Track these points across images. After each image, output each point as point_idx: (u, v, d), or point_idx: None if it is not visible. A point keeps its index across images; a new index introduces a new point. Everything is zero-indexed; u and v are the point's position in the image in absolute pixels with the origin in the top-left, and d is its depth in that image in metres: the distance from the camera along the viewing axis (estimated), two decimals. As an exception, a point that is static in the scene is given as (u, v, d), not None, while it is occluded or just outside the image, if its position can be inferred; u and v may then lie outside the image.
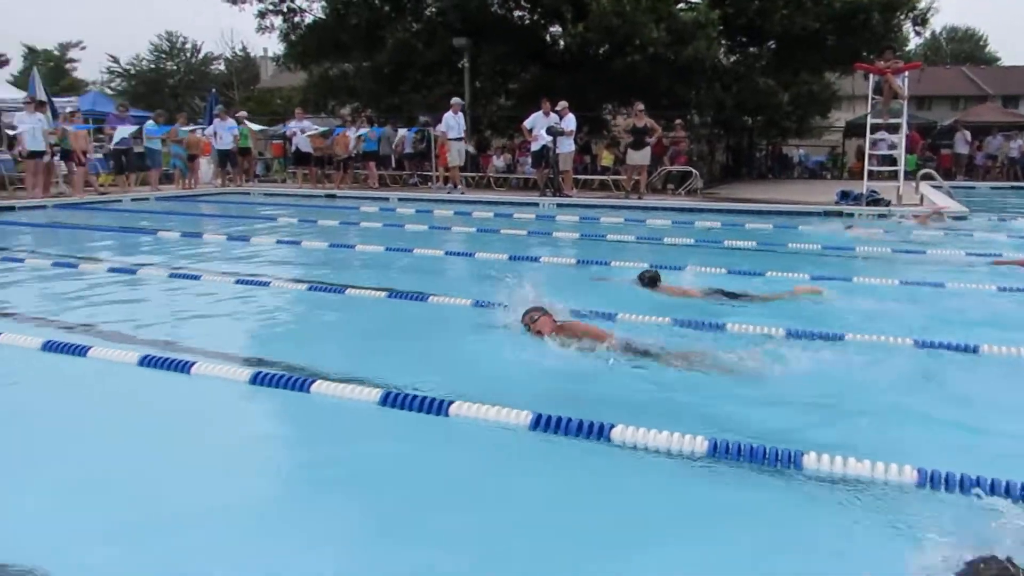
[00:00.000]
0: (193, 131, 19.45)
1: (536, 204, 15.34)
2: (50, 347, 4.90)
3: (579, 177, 18.25)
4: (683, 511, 3.11)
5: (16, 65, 41.85)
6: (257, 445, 3.92)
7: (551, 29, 22.36)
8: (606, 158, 19.94)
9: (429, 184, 19.61)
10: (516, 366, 4.71)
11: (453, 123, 17.17)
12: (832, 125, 31.13)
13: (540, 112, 16.10)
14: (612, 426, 3.59)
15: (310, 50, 23.21)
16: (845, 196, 14.20)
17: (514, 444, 3.64)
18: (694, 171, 17.24)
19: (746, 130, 25.53)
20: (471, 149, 19.17)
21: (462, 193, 17.12)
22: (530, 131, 16.36)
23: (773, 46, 21.96)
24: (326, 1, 22.94)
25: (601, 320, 5.40)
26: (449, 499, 3.22)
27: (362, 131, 18.82)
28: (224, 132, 18.60)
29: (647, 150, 15.74)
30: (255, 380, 4.30)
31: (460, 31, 19.36)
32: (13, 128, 16.07)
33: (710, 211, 13.92)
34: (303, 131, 19.31)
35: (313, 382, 4.20)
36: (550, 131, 15.66)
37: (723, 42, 20.25)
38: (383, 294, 6.55)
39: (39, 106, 15.94)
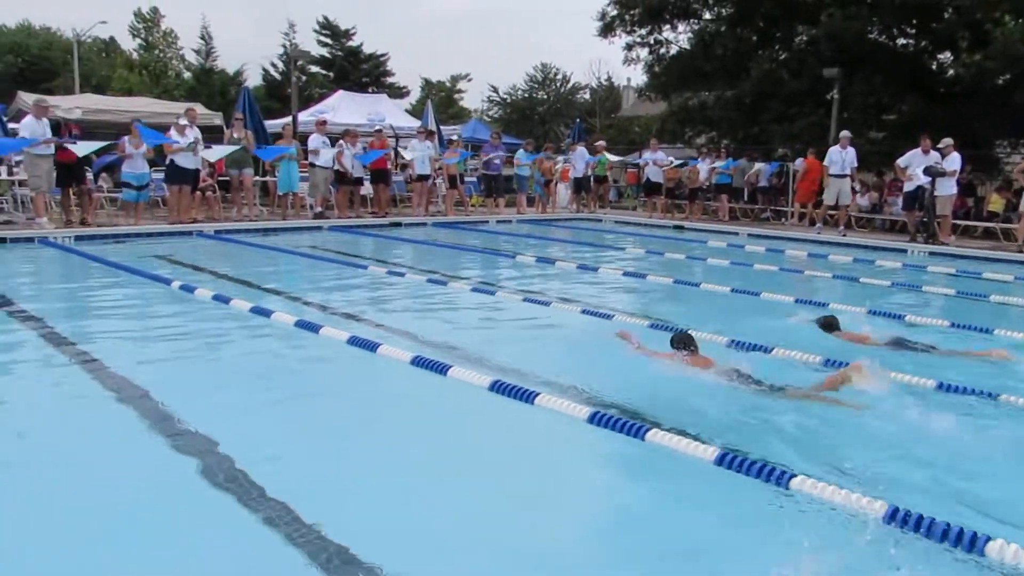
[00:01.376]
0: (553, 161, 20.78)
1: (904, 251, 13.91)
2: (417, 363, 5.48)
3: (959, 223, 16.16)
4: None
5: (414, 95, 48.21)
6: (584, 484, 4.01)
7: (938, 56, 20.24)
8: (995, 202, 17.35)
9: (783, 220, 18.78)
10: (869, 442, 4.27)
11: (837, 158, 15.80)
12: None
13: (918, 149, 14.54)
14: (988, 539, 3.05)
15: (672, 80, 23.51)
16: None
17: (861, 533, 3.25)
18: (1113, 223, 14.37)
19: None
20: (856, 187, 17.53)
21: (844, 235, 15.90)
22: (904, 169, 14.88)
23: None
24: (693, 32, 23.16)
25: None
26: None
27: (717, 163, 18.59)
28: (578, 161, 19.54)
29: (1052, 196, 13.48)
30: (592, 419, 4.38)
31: (831, 60, 18.28)
32: (404, 151, 18.49)
33: None
34: (655, 162, 19.58)
35: (648, 430, 4.16)
36: (928, 171, 14.07)
37: None
38: (724, 339, 6.33)
39: (429, 135, 18.25)
